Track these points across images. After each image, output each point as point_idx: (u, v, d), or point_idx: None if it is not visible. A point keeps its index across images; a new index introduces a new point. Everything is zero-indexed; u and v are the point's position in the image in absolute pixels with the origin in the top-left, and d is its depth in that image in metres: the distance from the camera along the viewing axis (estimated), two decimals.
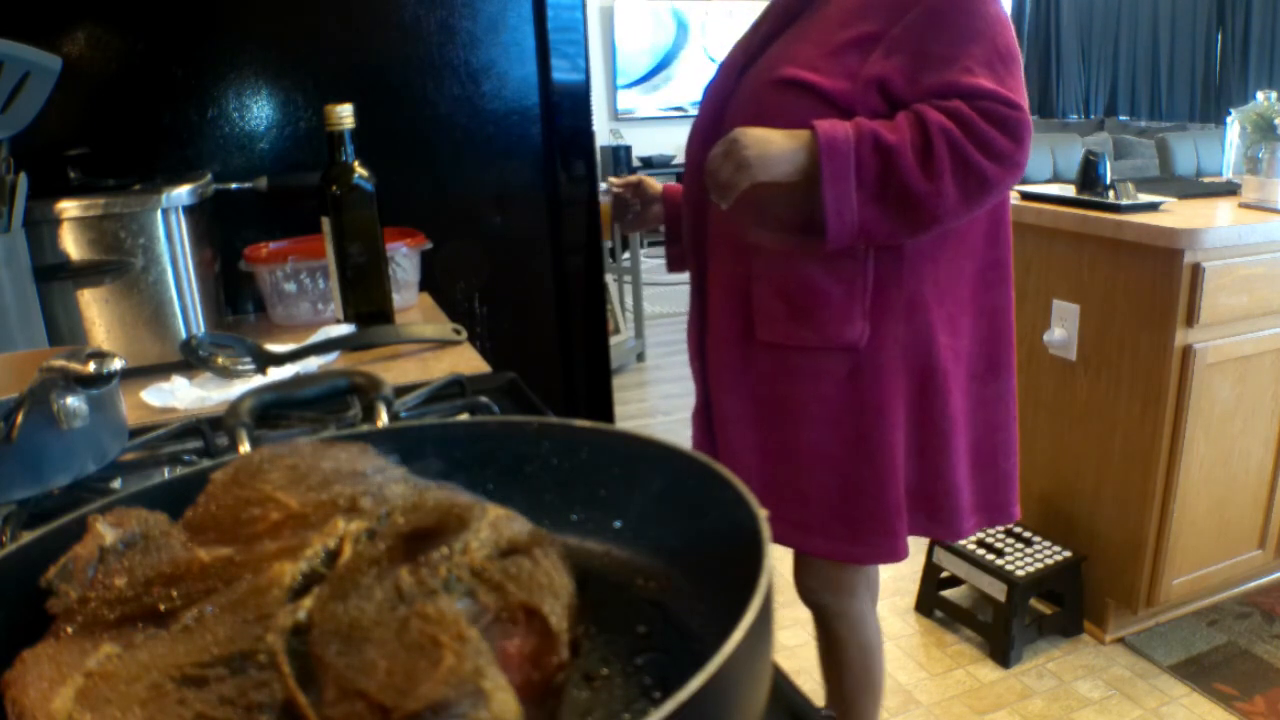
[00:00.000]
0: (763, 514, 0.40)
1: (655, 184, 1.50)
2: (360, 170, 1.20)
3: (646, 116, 7.42)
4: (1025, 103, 1.14)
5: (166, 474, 0.73)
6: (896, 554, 1.31)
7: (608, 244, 4.57)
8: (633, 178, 1.50)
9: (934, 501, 1.31)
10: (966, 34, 1.13)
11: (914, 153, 1.11)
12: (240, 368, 1.06)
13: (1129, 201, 2.12)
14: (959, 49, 1.13)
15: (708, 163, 1.17)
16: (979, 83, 1.12)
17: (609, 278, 4.27)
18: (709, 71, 1.44)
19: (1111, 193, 2.15)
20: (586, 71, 1.65)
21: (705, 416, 1.44)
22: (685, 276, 1.46)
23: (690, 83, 7.38)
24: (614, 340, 4.33)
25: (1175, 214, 2.09)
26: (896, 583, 2.52)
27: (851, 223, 1.15)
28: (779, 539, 1.33)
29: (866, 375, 1.26)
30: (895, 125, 1.13)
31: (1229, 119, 2.52)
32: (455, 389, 0.92)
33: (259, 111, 1.45)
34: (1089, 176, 2.20)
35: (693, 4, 7.26)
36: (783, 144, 1.14)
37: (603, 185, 1.47)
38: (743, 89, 1.27)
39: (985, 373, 1.33)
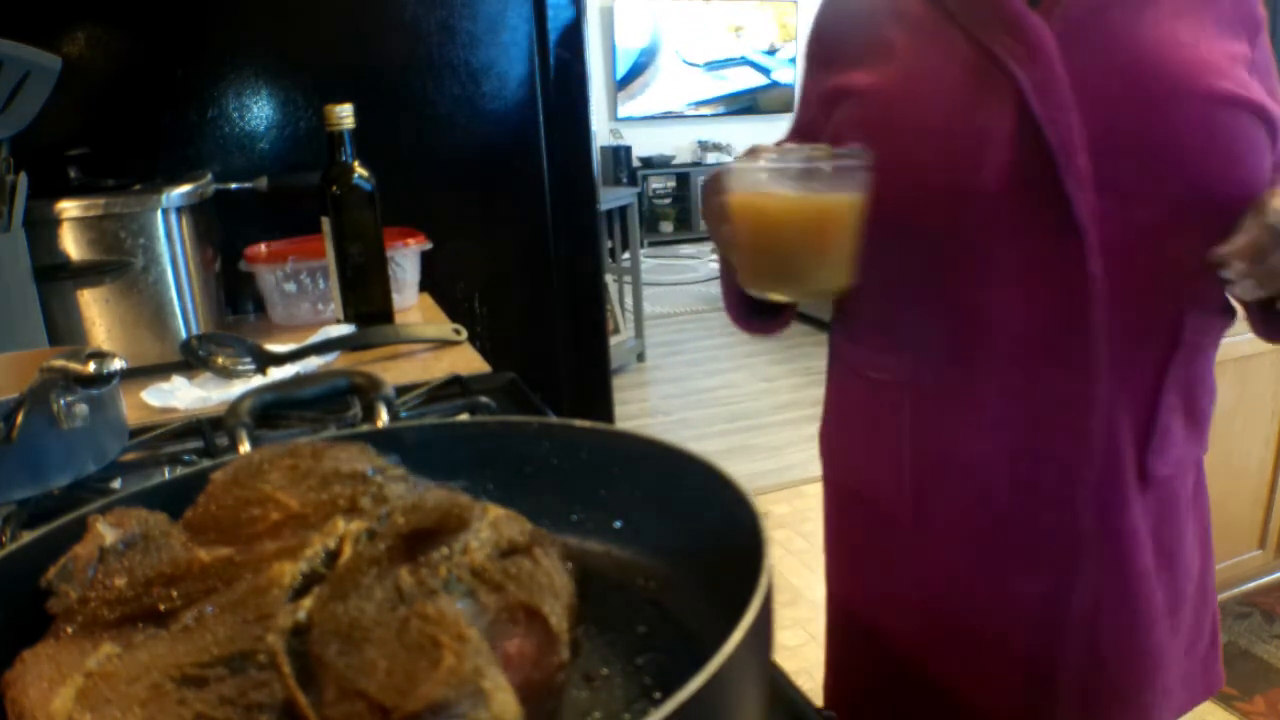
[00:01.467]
0: (762, 513, 0.40)
1: None
2: (360, 170, 1.20)
3: (647, 116, 7.42)
4: None
5: (166, 474, 0.73)
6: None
7: (608, 244, 4.56)
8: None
9: None
10: None
11: None
12: (240, 368, 1.06)
13: None
14: None
15: (1266, 240, 0.70)
16: None
17: (609, 278, 4.27)
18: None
19: None
20: (586, 71, 1.65)
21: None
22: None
23: (672, 86, 7.36)
24: (614, 340, 4.33)
25: None
26: None
27: None
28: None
29: (1204, 488, 0.96)
30: None
31: None
32: (455, 389, 0.92)
33: (259, 111, 1.45)
34: None
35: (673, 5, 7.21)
36: None
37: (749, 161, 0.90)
38: (1101, 90, 0.75)
39: None
